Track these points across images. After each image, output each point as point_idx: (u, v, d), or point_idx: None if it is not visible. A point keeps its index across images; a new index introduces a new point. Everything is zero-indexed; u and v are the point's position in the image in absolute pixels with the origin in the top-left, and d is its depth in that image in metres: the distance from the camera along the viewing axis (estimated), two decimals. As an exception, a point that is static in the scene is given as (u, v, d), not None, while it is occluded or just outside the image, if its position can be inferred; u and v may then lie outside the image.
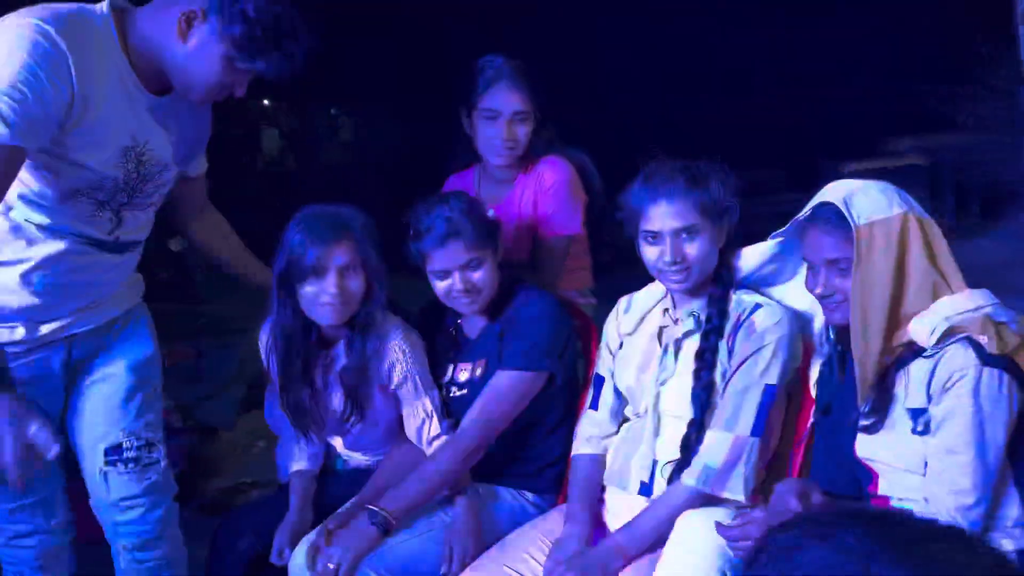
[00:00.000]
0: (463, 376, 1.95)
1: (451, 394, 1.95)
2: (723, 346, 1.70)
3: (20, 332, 1.70)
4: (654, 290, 1.86)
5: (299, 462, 2.00)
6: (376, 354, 1.88)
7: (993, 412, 1.37)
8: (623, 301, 1.93)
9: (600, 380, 1.89)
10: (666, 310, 1.81)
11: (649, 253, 1.72)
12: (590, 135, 2.46)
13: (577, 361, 2.02)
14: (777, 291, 1.79)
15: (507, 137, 2.12)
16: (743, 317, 1.71)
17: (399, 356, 1.89)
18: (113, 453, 1.83)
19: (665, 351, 1.76)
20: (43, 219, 1.64)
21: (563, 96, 2.53)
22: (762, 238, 1.75)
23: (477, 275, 1.86)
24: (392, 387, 1.91)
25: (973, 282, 1.50)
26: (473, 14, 8.92)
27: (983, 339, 1.38)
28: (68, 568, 1.93)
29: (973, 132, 8.13)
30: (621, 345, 1.86)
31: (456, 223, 1.83)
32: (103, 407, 1.83)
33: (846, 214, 1.47)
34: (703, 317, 1.73)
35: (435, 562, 1.76)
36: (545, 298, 1.94)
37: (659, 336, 1.80)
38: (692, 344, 1.74)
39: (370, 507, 1.77)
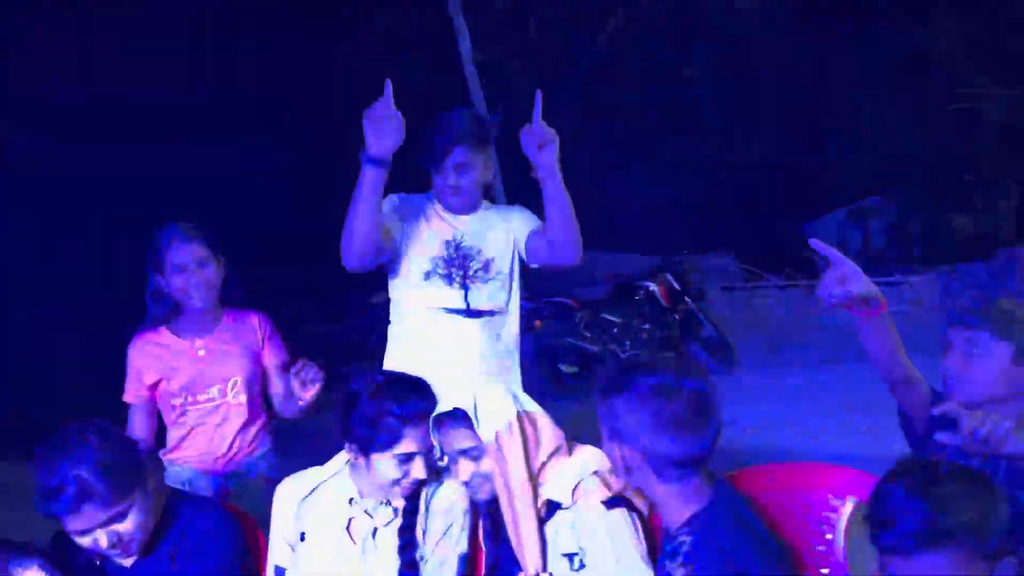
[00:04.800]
0: None
1: None
2: (419, 527, 1.87)
3: None
4: (328, 480, 1.95)
5: None
6: None
7: (623, 535, 1.72)
8: (291, 491, 1.96)
9: (281, 571, 1.92)
10: (352, 500, 1.90)
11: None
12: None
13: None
14: None
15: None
16: (429, 497, 1.90)
17: None
18: None
19: (364, 543, 1.87)
20: None
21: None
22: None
23: (124, 527, 1.71)
24: None
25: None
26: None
27: (600, 491, 1.75)
28: None
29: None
30: (302, 537, 1.90)
31: (88, 482, 1.64)
32: None
33: (475, 426, 1.77)
34: (399, 507, 1.88)
35: None
36: (215, 509, 1.91)
37: (348, 527, 1.88)
38: (389, 531, 1.87)
39: None
